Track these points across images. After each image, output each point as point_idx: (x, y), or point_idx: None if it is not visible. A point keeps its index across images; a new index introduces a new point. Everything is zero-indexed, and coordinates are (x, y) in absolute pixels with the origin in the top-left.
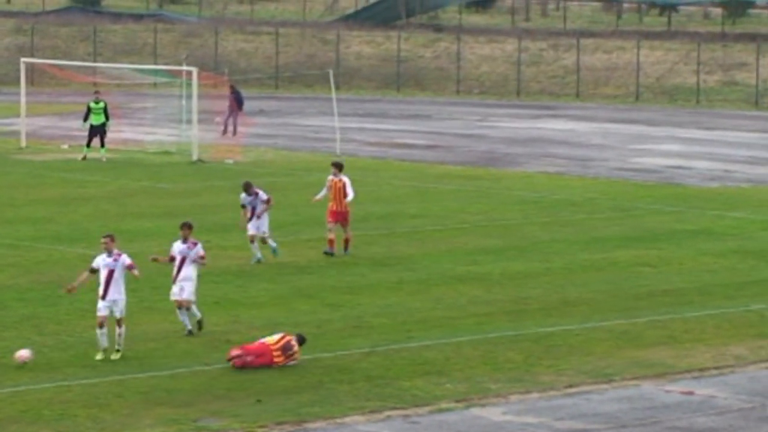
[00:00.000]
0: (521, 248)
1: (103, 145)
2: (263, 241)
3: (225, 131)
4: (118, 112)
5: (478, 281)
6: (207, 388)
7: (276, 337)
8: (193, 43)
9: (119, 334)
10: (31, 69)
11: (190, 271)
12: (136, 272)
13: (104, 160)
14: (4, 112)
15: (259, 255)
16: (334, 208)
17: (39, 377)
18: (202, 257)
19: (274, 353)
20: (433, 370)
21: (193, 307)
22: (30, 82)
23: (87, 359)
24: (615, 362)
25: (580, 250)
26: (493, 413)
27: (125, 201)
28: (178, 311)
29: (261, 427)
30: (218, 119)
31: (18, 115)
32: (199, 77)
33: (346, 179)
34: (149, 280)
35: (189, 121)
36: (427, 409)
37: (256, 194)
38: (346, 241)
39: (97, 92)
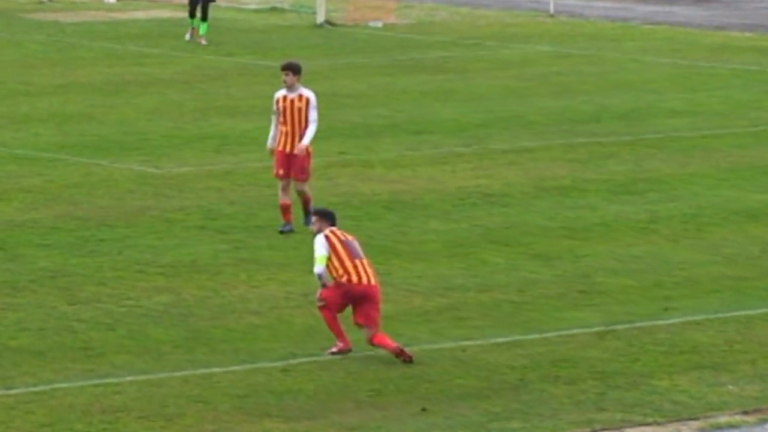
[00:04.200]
0: None
1: (205, 18)
2: None
3: None
4: None
5: None
6: (341, 389)
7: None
8: None
9: None
10: None
11: None
12: None
13: (204, 42)
14: None
15: None
16: (285, 147)
17: (70, 370)
18: None
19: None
20: (707, 363)
21: None
22: None
23: (147, 342)
24: None
25: None
26: None
27: (208, 88)
28: None
29: None
30: None
31: None
32: None
33: (309, 95)
34: (244, 214)
35: None
36: (696, 425)
37: None
38: (305, 203)
39: None
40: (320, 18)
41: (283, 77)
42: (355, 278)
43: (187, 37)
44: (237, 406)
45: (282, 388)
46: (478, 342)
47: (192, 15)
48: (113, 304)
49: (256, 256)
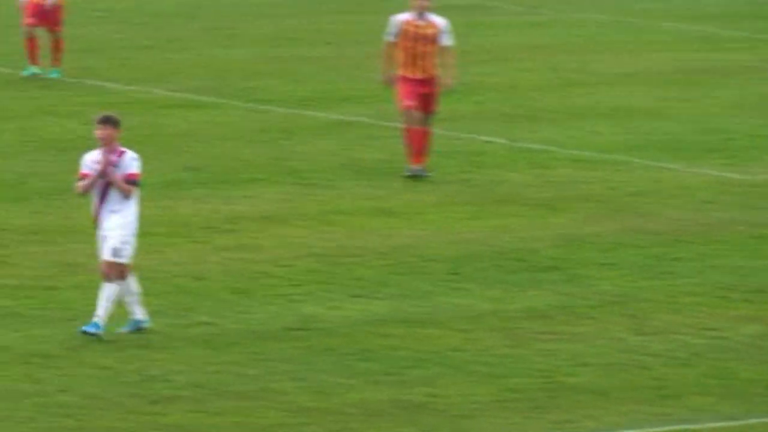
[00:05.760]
0: None
1: None
2: None
3: None
4: None
5: None
6: None
7: None
8: None
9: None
10: None
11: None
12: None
13: None
14: None
15: None
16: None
17: (639, 413)
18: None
19: None
20: None
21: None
22: None
23: (731, 381)
24: None
25: None
26: None
27: None
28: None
29: None
30: None
31: None
32: None
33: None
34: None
35: None
36: None
37: None
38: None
39: None
40: None
41: None
42: None
43: None
44: None
45: None
46: None
47: None
48: (690, 335)
49: None
